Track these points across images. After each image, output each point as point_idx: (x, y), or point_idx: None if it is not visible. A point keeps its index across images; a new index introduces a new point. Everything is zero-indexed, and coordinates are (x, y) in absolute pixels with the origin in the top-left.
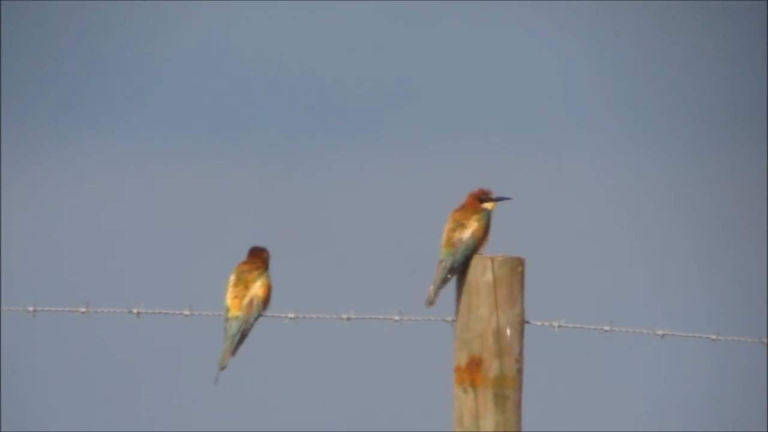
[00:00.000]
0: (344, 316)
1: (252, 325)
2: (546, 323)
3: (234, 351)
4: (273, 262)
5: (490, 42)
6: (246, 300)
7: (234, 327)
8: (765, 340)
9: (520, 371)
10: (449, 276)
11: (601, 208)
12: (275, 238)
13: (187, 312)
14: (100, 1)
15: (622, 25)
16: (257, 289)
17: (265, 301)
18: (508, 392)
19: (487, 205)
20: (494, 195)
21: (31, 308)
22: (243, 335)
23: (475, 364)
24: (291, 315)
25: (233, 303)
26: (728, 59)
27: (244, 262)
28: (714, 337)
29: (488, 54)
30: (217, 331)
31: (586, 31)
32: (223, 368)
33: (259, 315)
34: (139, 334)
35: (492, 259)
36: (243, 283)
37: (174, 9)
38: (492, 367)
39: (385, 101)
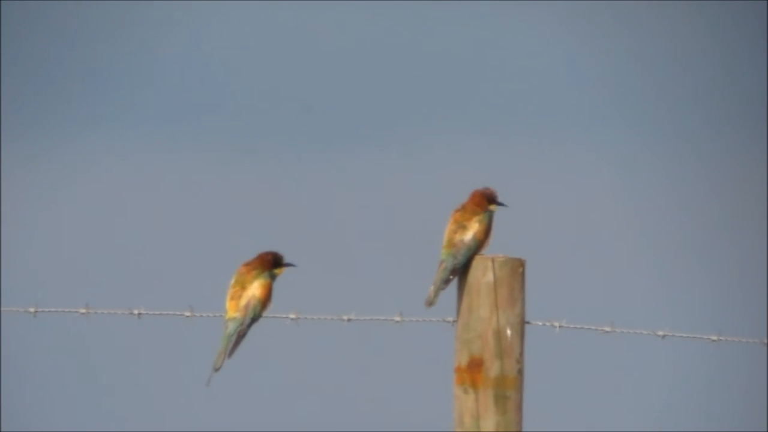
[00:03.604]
0: (345, 317)
1: (249, 326)
2: (547, 324)
3: (231, 352)
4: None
5: (491, 42)
6: (243, 301)
7: (230, 328)
8: (766, 341)
9: (520, 372)
10: (450, 277)
11: (602, 208)
12: (276, 239)
13: (188, 313)
14: (103, 1)
15: (623, 25)
16: (254, 289)
17: (263, 302)
18: (509, 393)
19: (490, 206)
20: (498, 198)
21: (32, 309)
22: (239, 336)
23: (475, 365)
24: (292, 316)
25: (230, 304)
26: (728, 59)
27: (245, 264)
28: (715, 338)
29: (489, 54)
30: (219, 333)
31: (587, 31)
32: (216, 369)
33: (257, 316)
34: (140, 335)
35: (493, 260)
36: (240, 285)
37: (175, 8)
38: (493, 368)
39: (385, 101)
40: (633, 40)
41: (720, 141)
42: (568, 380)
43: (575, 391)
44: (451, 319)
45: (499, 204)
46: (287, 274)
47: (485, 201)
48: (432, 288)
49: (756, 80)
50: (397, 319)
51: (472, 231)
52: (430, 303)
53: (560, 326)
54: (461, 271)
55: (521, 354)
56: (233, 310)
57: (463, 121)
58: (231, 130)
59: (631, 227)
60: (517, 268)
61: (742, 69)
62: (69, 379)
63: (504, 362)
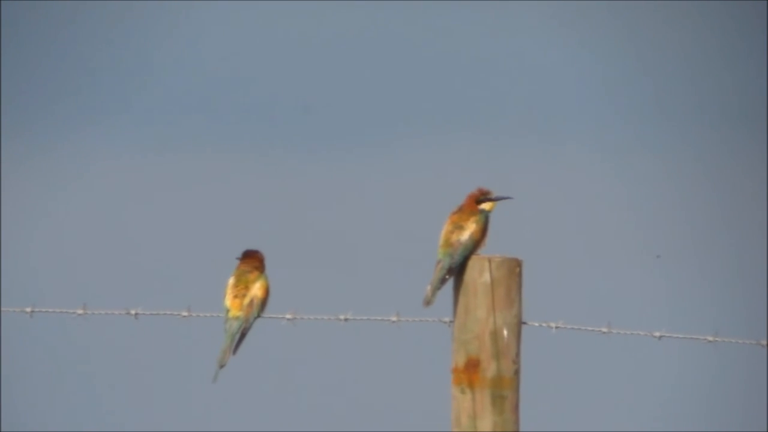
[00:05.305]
0: (342, 317)
1: (251, 325)
2: (543, 324)
3: (234, 351)
4: (271, 264)
5: (490, 42)
6: (246, 300)
7: (234, 326)
8: (763, 342)
9: (517, 372)
10: (447, 277)
11: (599, 209)
12: (273, 239)
13: (185, 313)
14: (103, 1)
15: (623, 25)
16: (257, 289)
17: (264, 302)
18: (506, 393)
19: (485, 206)
20: (493, 195)
21: (28, 309)
22: (243, 335)
23: (472, 365)
24: (288, 316)
25: (233, 303)
26: (728, 59)
27: (243, 263)
28: (711, 338)
29: (488, 54)
30: (216, 332)
31: (586, 30)
32: (222, 366)
33: (259, 315)
34: (138, 335)
35: (489, 260)
36: (243, 284)
37: (174, 8)
38: (489, 368)
39: (384, 102)
40: (633, 40)
41: (719, 141)
42: (564, 381)
43: (572, 391)
44: (447, 319)
45: (496, 199)
46: (283, 274)
47: (474, 202)
48: (429, 288)
49: (756, 80)
50: (394, 319)
51: (468, 231)
52: (428, 302)
53: (557, 327)
54: (458, 271)
55: (518, 354)
56: (237, 309)
57: (460, 121)
58: (230, 130)
59: (629, 228)
60: (514, 269)
61: (742, 69)
62: (66, 379)
63: (501, 363)
